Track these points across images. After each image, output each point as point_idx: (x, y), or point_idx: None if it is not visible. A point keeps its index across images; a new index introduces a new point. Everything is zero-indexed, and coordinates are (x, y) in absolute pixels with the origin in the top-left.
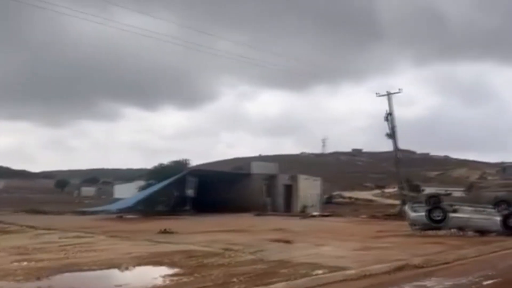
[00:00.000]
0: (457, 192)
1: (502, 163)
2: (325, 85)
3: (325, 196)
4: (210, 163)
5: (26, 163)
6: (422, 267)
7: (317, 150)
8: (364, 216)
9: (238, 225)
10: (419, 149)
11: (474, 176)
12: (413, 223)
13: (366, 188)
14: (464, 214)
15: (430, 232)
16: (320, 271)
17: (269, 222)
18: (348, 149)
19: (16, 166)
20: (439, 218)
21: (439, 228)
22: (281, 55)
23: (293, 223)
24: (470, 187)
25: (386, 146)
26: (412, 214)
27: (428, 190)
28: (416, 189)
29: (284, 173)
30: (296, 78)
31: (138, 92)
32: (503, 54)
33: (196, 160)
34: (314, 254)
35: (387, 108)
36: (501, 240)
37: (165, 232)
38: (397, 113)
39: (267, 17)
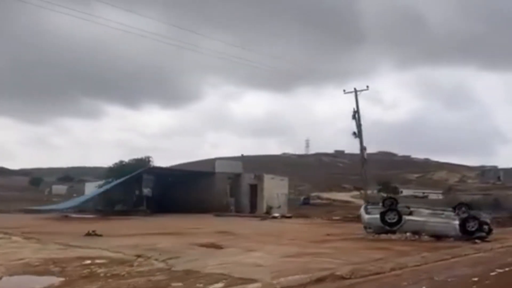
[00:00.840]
0: (434, 195)
1: (482, 166)
2: (309, 87)
3: (302, 197)
4: (190, 162)
5: (5, 160)
6: (348, 278)
7: (300, 151)
8: (337, 217)
9: (181, 227)
10: (401, 152)
11: (453, 179)
12: (367, 226)
13: (344, 190)
14: (420, 217)
15: (383, 236)
16: (219, 285)
17: (220, 224)
18: (331, 151)
19: None
20: (394, 221)
21: (393, 232)
22: (266, 57)
23: (246, 225)
24: (448, 190)
25: (368, 148)
26: (366, 217)
27: (406, 192)
28: (394, 191)
29: (249, 172)
30: (280, 80)
31: (121, 90)
32: (483, 59)
33: (179, 160)
34: (233, 263)
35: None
36: (454, 246)
37: (91, 234)
38: (379, 115)
39: (252, 19)
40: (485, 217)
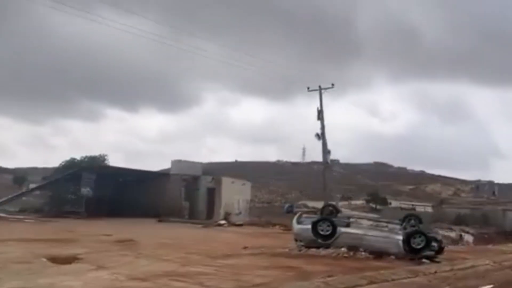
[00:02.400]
0: (423, 208)
1: (478, 181)
2: (305, 97)
3: (287, 205)
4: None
5: (3, 159)
6: None
7: (297, 158)
8: None
9: (84, 234)
10: (396, 163)
11: (447, 192)
12: (297, 238)
13: (334, 199)
14: (358, 230)
15: (312, 251)
16: None
17: (147, 231)
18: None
19: None
20: (327, 233)
21: (327, 246)
22: (264, 64)
23: (170, 233)
24: (440, 203)
25: (363, 158)
26: (296, 227)
27: (395, 203)
28: (384, 202)
29: (208, 175)
30: (278, 88)
31: (120, 93)
32: (477, 74)
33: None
34: None
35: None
36: (387, 267)
37: None
38: (375, 127)
39: (250, 27)
40: (435, 232)
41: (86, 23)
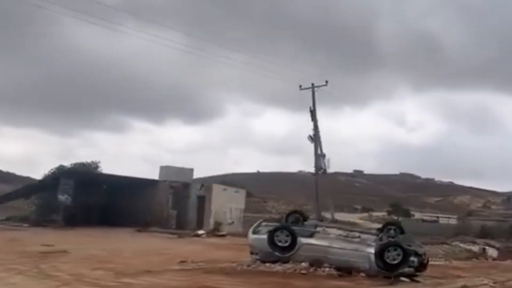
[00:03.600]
0: (447, 220)
1: (510, 192)
2: (328, 108)
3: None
4: (205, 177)
5: (32, 170)
6: None
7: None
8: None
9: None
10: (424, 174)
11: (476, 204)
12: (253, 251)
13: (355, 210)
14: (322, 241)
15: (265, 267)
16: None
17: (98, 242)
18: (350, 170)
19: (21, 172)
20: (286, 244)
21: (286, 260)
22: (284, 76)
23: (122, 245)
24: (467, 215)
25: (389, 169)
26: (251, 237)
27: (418, 216)
28: (406, 214)
29: (198, 182)
30: (300, 99)
31: (146, 105)
32: (503, 82)
33: (202, 175)
34: None
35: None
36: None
37: None
38: (401, 138)
39: (272, 39)
40: (418, 245)
41: (111, 35)
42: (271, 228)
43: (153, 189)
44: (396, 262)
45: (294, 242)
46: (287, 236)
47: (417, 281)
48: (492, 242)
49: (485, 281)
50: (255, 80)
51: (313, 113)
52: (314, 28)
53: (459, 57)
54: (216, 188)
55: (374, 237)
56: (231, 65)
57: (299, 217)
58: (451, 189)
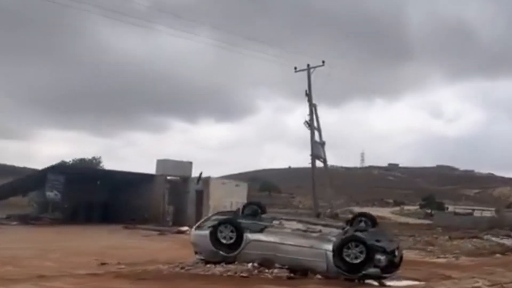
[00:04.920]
0: (480, 212)
1: None
2: (360, 101)
3: (320, 210)
4: (237, 174)
5: None
6: None
7: (355, 164)
8: None
9: None
10: (462, 166)
11: None
12: (196, 250)
13: (387, 205)
14: (273, 236)
15: (203, 269)
16: None
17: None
18: (385, 164)
19: None
20: (230, 241)
21: (231, 261)
22: (316, 71)
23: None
24: (507, 207)
25: (425, 162)
26: (193, 234)
27: (452, 208)
28: (440, 207)
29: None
30: (331, 93)
31: (180, 105)
32: None
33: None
34: None
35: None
36: None
37: None
38: (438, 129)
39: (300, 33)
40: (387, 240)
41: (144, 36)
42: (214, 223)
43: (149, 184)
44: (358, 261)
45: (240, 238)
46: (232, 231)
47: (384, 285)
48: None
49: (479, 283)
50: (285, 75)
51: (309, 96)
52: (345, 20)
53: (494, 44)
54: (214, 182)
55: (337, 231)
56: (262, 59)
57: (257, 209)
58: (491, 180)
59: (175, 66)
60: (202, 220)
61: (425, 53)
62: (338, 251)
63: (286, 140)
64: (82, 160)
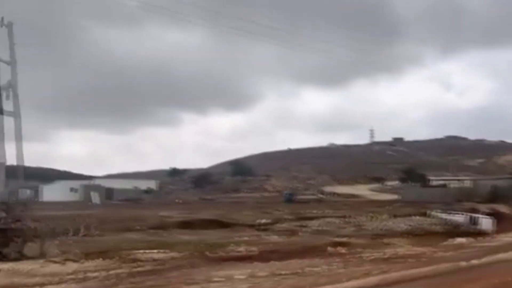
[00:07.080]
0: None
1: None
2: (363, 79)
3: (285, 192)
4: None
5: (95, 168)
6: None
7: (363, 141)
8: None
9: None
10: (473, 136)
11: None
12: None
13: (371, 181)
14: None
15: None
16: None
17: None
18: (390, 139)
19: (86, 171)
20: None
21: None
22: (318, 53)
23: None
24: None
25: (434, 134)
26: None
27: (435, 181)
28: (421, 179)
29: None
30: (334, 74)
31: (190, 98)
32: None
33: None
34: None
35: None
36: None
37: None
38: (445, 101)
39: (301, 15)
40: None
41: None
42: None
43: None
44: None
45: None
46: None
47: None
48: (499, 207)
49: None
50: (289, 61)
51: None
52: (342, 8)
53: (485, 16)
54: None
55: None
56: (266, 43)
57: None
58: (501, 148)
59: (179, 62)
60: None
61: (419, 31)
62: None
63: (299, 124)
64: None
